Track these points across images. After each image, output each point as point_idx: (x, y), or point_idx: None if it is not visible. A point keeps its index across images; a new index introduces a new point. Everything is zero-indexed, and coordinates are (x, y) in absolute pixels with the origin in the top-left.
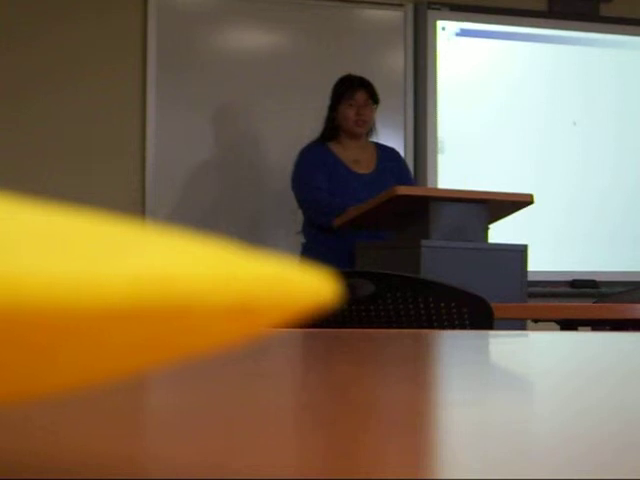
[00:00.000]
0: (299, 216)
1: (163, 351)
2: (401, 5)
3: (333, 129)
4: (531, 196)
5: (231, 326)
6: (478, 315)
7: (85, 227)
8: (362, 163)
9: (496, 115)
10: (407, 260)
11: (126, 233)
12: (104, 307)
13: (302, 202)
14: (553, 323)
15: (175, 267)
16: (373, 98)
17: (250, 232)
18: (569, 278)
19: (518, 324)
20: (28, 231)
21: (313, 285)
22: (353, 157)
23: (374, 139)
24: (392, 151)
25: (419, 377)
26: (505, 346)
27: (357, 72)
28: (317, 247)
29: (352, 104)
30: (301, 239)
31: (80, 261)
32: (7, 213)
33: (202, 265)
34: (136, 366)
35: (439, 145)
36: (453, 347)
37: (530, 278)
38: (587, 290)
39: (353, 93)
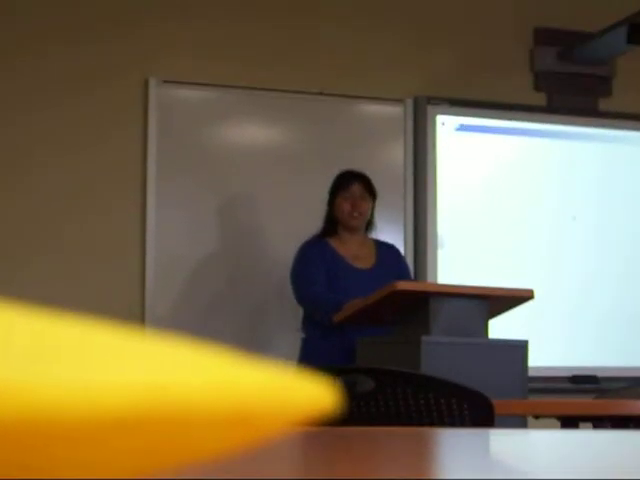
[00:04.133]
0: (300, 311)
1: (163, 457)
2: (401, 100)
3: (332, 224)
4: (531, 291)
5: (231, 433)
6: (479, 411)
7: (84, 336)
8: (362, 258)
9: (496, 210)
10: (407, 355)
11: (124, 342)
12: (104, 416)
13: (301, 298)
14: (554, 419)
15: (175, 376)
16: (369, 191)
17: (251, 327)
18: (569, 373)
19: (519, 420)
20: (27, 341)
21: (312, 393)
22: (353, 252)
23: (373, 234)
24: (391, 248)
25: (421, 477)
26: (505, 445)
27: (358, 166)
28: (317, 342)
29: (347, 197)
30: (301, 334)
31: (80, 372)
32: (8, 324)
33: (201, 374)
34: (138, 471)
35: (439, 240)
36: (454, 446)
37: (530, 373)
38: (588, 385)
39: (348, 185)
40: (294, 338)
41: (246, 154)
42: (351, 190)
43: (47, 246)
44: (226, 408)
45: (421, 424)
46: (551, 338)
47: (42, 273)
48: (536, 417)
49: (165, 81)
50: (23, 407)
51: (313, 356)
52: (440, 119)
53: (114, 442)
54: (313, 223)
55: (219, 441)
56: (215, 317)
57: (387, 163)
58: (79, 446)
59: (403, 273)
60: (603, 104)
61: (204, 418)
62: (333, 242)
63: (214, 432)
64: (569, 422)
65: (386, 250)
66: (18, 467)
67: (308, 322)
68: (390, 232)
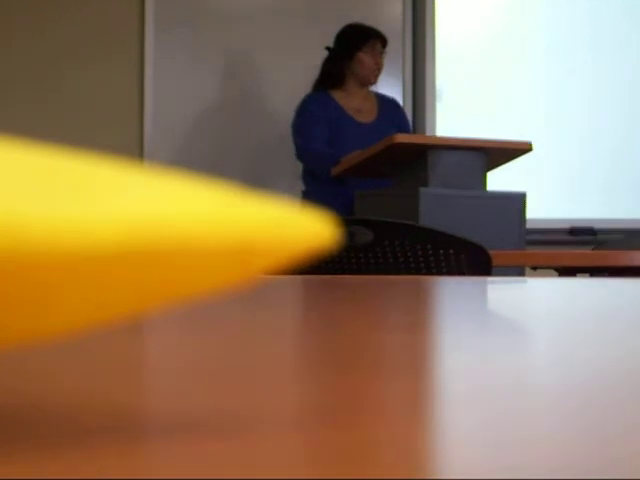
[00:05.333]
0: (300, 163)
1: (160, 294)
2: None
3: (339, 76)
4: (529, 144)
5: (230, 268)
6: (476, 262)
7: (81, 169)
8: (364, 112)
9: (495, 61)
10: (406, 208)
11: (123, 175)
12: (101, 250)
13: (300, 154)
14: (551, 270)
15: (173, 208)
16: (385, 47)
17: (252, 179)
18: (567, 225)
19: (516, 271)
20: (24, 174)
21: (312, 229)
22: (356, 106)
23: (373, 88)
24: (392, 101)
25: (416, 321)
26: (503, 292)
27: (356, 19)
28: (317, 194)
29: (373, 53)
30: (301, 186)
31: (77, 203)
32: (3, 156)
33: (201, 206)
34: (133, 309)
35: (437, 93)
36: (451, 293)
37: (528, 226)
38: (585, 237)
39: (374, 42)
40: (295, 190)
41: (245, 8)
42: (375, 47)
43: (46, 100)
44: (225, 241)
45: (419, 275)
46: (549, 191)
47: (42, 121)
48: (534, 268)
49: None
50: (17, 241)
51: (312, 207)
52: None
53: (111, 276)
54: (312, 77)
55: (218, 276)
56: (214, 170)
57: (386, 15)
58: (73, 282)
59: (403, 126)
60: None
61: (203, 252)
62: (336, 94)
63: (213, 266)
64: (567, 273)
65: (387, 104)
66: (10, 302)
67: (308, 175)
68: (388, 85)
